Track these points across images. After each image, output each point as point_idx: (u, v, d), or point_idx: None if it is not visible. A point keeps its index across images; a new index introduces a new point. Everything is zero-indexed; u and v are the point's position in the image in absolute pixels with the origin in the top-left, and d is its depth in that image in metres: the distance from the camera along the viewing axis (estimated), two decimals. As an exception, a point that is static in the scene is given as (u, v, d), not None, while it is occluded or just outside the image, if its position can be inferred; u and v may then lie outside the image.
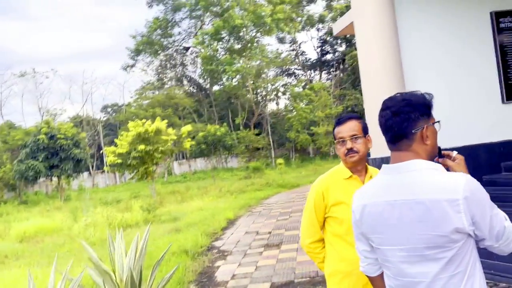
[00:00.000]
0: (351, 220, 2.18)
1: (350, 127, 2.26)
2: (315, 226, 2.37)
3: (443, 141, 6.05)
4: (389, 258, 1.53)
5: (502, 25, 6.38)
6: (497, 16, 6.37)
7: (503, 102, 6.39)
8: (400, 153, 1.54)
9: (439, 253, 1.43)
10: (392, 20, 5.91)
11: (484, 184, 4.66)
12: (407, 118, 1.52)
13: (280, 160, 22.00)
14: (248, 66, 35.25)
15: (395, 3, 6.02)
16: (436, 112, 5.50)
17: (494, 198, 4.22)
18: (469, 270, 1.43)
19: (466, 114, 6.25)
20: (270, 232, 9.39)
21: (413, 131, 1.52)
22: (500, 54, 6.36)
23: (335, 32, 7.45)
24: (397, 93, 1.61)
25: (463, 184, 1.45)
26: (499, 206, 2.82)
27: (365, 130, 2.32)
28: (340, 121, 2.32)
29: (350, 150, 2.23)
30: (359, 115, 2.42)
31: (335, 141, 2.35)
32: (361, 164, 2.31)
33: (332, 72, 45.12)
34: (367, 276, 1.73)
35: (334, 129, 2.36)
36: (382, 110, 1.59)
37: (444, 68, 6.26)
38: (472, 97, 6.33)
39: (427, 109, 1.58)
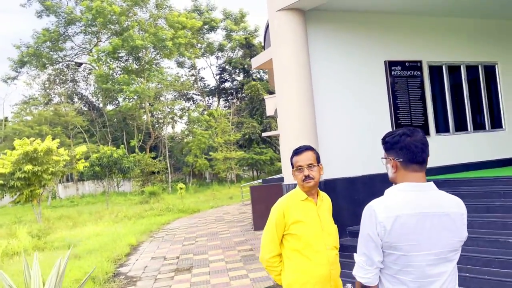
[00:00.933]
0: (308, 236, 2.52)
1: (307, 157, 2.62)
2: (275, 242, 2.65)
3: (347, 171, 6.85)
4: (415, 263, 1.82)
5: (393, 72, 7.50)
6: (390, 65, 7.49)
7: (393, 138, 7.43)
8: (423, 174, 1.94)
9: (455, 255, 1.89)
10: (306, 63, 6.61)
11: None
12: (428, 148, 1.96)
13: (181, 185, 21.75)
14: (147, 87, 34.59)
15: (309, 50, 6.75)
16: (339, 145, 6.25)
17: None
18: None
19: (365, 147, 7.14)
20: (178, 257, 9.34)
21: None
22: (391, 96, 7.44)
23: (254, 66, 7.98)
24: (408, 128, 1.98)
25: (462, 202, 1.96)
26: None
27: (318, 159, 2.70)
28: (298, 151, 2.67)
29: (307, 177, 2.59)
30: (311, 146, 2.79)
31: (293, 169, 2.68)
32: (314, 188, 2.67)
33: (229, 100, 46.38)
34: (368, 286, 1.91)
35: (292, 158, 2.70)
36: (415, 140, 1.94)
37: (348, 106, 7.12)
38: (369, 132, 7.26)
39: None
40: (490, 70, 8.53)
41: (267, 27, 11.01)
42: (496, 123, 8.48)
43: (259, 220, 11.79)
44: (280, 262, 2.68)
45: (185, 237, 12.10)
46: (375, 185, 7.20)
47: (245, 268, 7.77)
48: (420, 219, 1.84)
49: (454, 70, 8.17)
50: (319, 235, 2.59)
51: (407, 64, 7.64)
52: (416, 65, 7.71)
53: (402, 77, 7.57)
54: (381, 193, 6.34)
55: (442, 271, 1.85)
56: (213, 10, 45.47)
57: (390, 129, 7.40)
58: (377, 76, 7.43)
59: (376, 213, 1.84)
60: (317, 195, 2.71)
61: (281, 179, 17.70)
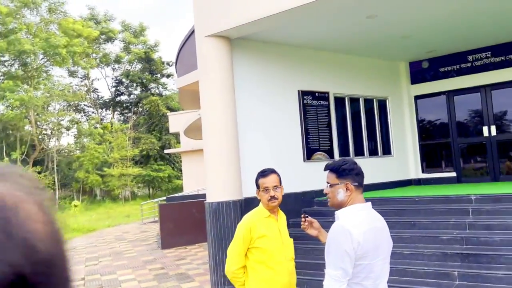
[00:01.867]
0: (271, 249, 2.86)
1: (273, 179, 2.99)
2: (241, 255, 2.95)
3: None
4: (375, 269, 2.21)
5: (305, 101, 8.29)
6: (302, 94, 8.26)
7: (304, 161, 8.17)
8: (363, 195, 2.40)
9: (389, 256, 2.38)
10: (231, 87, 7.03)
11: (290, 225, 6.01)
12: None
13: (76, 202, 20.37)
14: (35, 95, 31.85)
15: (234, 75, 7.19)
16: (259, 165, 6.68)
17: (298, 237, 5.60)
18: None
19: (283, 169, 7.71)
20: (83, 278, 8.90)
21: None
22: (303, 123, 8.20)
23: (178, 85, 8.15)
24: (349, 158, 2.45)
25: None
26: (303, 243, 4.14)
27: (280, 181, 3.08)
28: (264, 174, 3.02)
29: (273, 197, 2.95)
30: (275, 169, 3.16)
31: (258, 189, 3.02)
32: (277, 207, 3.04)
33: (125, 114, 44.76)
34: None
35: (258, 179, 3.04)
36: (355, 164, 2.42)
37: (267, 130, 7.68)
38: (284, 154, 7.88)
39: None
40: (382, 104, 9.86)
41: (182, 46, 11.26)
42: (386, 150, 9.80)
43: (168, 239, 11.72)
44: (244, 273, 2.98)
45: (86, 257, 11.48)
46: (287, 204, 7.81)
47: (160, 286, 7.75)
48: (375, 232, 2.29)
49: (354, 101, 9.29)
50: (280, 247, 2.95)
51: (316, 94, 8.50)
52: (324, 96, 8.62)
53: (312, 106, 8.40)
54: (295, 211, 6.85)
55: (387, 270, 2.37)
56: (111, 21, 43.94)
57: (301, 152, 8.14)
58: (292, 104, 8.14)
59: (350, 232, 2.17)
60: (278, 212, 3.09)
61: (185, 197, 17.72)
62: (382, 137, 9.76)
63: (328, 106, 8.68)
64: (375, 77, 9.76)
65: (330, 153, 8.53)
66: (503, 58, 9.21)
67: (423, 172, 10.23)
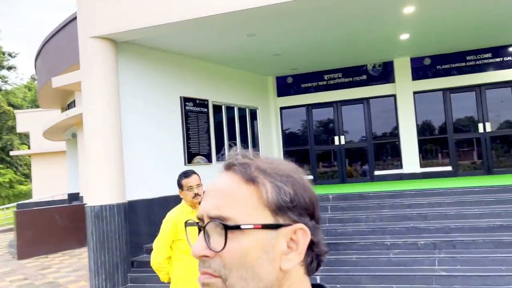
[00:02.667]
0: (195, 240, 3.24)
1: (195, 179, 3.36)
2: (167, 248, 3.24)
3: (147, 193, 7.66)
4: None
5: (187, 108, 8.67)
6: (184, 100, 8.64)
7: (185, 164, 8.54)
8: None
9: None
10: (116, 90, 7.05)
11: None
12: None
13: None
14: None
15: (119, 78, 7.22)
16: (142, 169, 7.17)
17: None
18: None
19: (165, 172, 7.98)
20: None
21: None
22: (185, 128, 8.57)
23: (55, 85, 7.71)
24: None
25: None
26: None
27: (200, 180, 3.46)
28: (187, 175, 3.36)
29: (197, 194, 3.33)
30: (194, 170, 3.51)
31: (182, 189, 3.35)
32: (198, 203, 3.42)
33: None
34: None
35: (181, 180, 3.36)
36: None
37: (151, 134, 7.85)
38: (169, 159, 8.14)
39: None
40: (253, 113, 10.80)
41: (46, 41, 10.58)
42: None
43: (26, 248, 10.77)
44: (168, 263, 3.28)
45: None
46: (169, 206, 8.08)
47: (29, 298, 7.26)
48: None
49: (230, 109, 10.01)
50: None
51: (197, 101, 8.95)
52: (204, 103, 9.12)
53: (193, 112, 8.82)
54: None
55: None
56: None
57: (183, 156, 8.49)
58: (174, 110, 8.44)
59: None
60: (198, 208, 3.47)
61: (40, 203, 16.27)
62: (253, 143, 10.68)
63: (207, 113, 9.20)
64: (248, 88, 10.66)
65: (208, 158, 9.06)
66: (351, 79, 10.99)
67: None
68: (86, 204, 6.96)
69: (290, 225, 0.68)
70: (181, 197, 3.40)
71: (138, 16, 6.67)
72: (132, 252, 7.21)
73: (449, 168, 10.36)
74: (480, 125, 10.26)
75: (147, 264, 7.26)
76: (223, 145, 9.71)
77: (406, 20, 7.67)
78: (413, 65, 10.53)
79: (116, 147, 6.99)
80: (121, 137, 7.11)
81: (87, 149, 6.96)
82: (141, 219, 7.57)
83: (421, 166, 10.48)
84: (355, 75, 10.97)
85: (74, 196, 15.48)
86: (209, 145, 9.15)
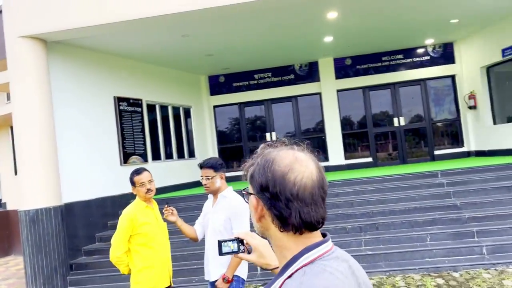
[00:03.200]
0: (152, 233, 3.44)
1: (147, 175, 3.54)
2: (125, 242, 3.40)
3: (84, 194, 7.63)
4: None
5: (121, 107, 8.64)
6: (118, 100, 8.60)
7: (121, 164, 8.51)
8: None
9: None
10: (48, 90, 6.90)
11: (110, 227, 6.60)
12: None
13: None
14: None
15: (51, 78, 7.06)
16: (78, 170, 7.21)
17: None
18: None
19: (102, 172, 7.92)
20: None
21: None
22: (120, 128, 8.54)
23: (-21, 86, 7.30)
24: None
25: None
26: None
27: (151, 176, 3.64)
28: (139, 172, 3.54)
29: (149, 190, 3.52)
30: (144, 167, 3.68)
31: (134, 186, 3.52)
32: (152, 198, 3.61)
33: None
34: None
35: (132, 178, 3.53)
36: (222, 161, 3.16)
37: (86, 134, 7.75)
38: (104, 159, 8.08)
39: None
40: (187, 111, 10.96)
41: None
42: (192, 153, 10.93)
43: None
44: (127, 256, 3.44)
45: None
46: (107, 207, 8.06)
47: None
48: None
49: (164, 109, 10.08)
50: (158, 231, 3.53)
51: (131, 101, 8.94)
52: (138, 103, 9.13)
53: (127, 112, 8.80)
54: (113, 214, 7.32)
55: None
56: None
57: (118, 156, 8.46)
58: (109, 109, 8.38)
59: None
60: (152, 202, 3.65)
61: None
62: (188, 142, 10.85)
63: (141, 113, 9.22)
64: (182, 87, 10.80)
65: (144, 157, 9.09)
66: (280, 78, 11.57)
67: (220, 171, 11.80)
68: (18, 209, 6.73)
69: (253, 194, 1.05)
70: (134, 193, 3.57)
71: (69, 16, 6.58)
72: (70, 255, 7.10)
73: (369, 159, 11.35)
74: (395, 120, 11.36)
75: (87, 265, 7.22)
76: (158, 144, 9.77)
77: (330, 24, 8.33)
78: (336, 65, 11.35)
79: (50, 149, 6.84)
80: (55, 139, 6.96)
81: (19, 152, 6.73)
82: (78, 221, 7.46)
83: (345, 158, 11.35)
84: (283, 74, 11.56)
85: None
86: (144, 144, 9.19)
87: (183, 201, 8.34)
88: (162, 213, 3.47)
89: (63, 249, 6.82)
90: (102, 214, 8.01)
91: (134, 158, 8.81)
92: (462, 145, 11.16)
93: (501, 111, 10.24)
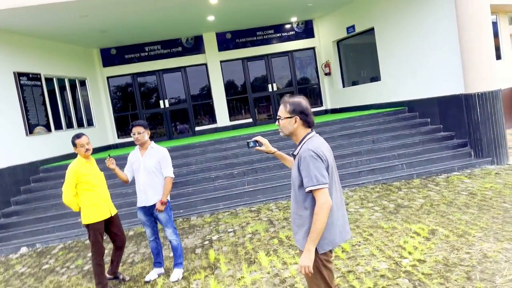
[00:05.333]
0: (92, 179, 4.80)
1: (85, 139, 4.80)
2: (72, 188, 4.65)
3: (1, 162, 8.73)
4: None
5: (22, 82, 9.22)
6: (19, 76, 9.16)
7: (26, 135, 9.20)
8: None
9: None
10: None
11: (23, 192, 7.71)
12: None
13: None
14: None
15: None
16: None
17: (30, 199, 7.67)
18: None
19: (6, 144, 8.59)
20: None
21: None
22: (22, 102, 9.16)
23: None
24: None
25: None
26: (38, 201, 5.88)
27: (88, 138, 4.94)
28: (79, 135, 4.78)
29: (87, 149, 4.81)
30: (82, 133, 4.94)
31: (76, 147, 4.77)
32: (89, 154, 4.92)
33: None
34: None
35: (74, 140, 4.77)
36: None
37: (-8, 109, 8.29)
38: (8, 132, 8.73)
39: None
40: (83, 83, 11.68)
41: None
42: (90, 122, 11.79)
43: None
44: (75, 198, 4.73)
45: None
46: (17, 174, 8.81)
47: None
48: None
49: (62, 82, 10.74)
50: (96, 178, 4.86)
51: (30, 75, 9.52)
52: (37, 77, 9.72)
53: (28, 86, 9.40)
54: (24, 180, 8.27)
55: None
56: None
57: (23, 128, 9.13)
58: (10, 85, 8.93)
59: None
60: (90, 158, 4.96)
61: None
62: (85, 112, 11.66)
63: (41, 86, 9.85)
64: (76, 60, 11.46)
65: (47, 127, 9.82)
66: (169, 50, 12.82)
67: (118, 138, 12.87)
68: None
69: (293, 116, 2.59)
70: (76, 152, 4.84)
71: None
72: (-9, 218, 7.86)
73: (250, 120, 13.42)
74: (269, 86, 13.52)
75: (8, 225, 8.03)
76: (59, 115, 10.50)
77: (211, 6, 9.86)
78: (218, 39, 12.98)
79: None
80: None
81: None
82: (-7, 189, 8.16)
83: (230, 120, 13.26)
84: (172, 47, 12.84)
85: None
86: (47, 116, 9.89)
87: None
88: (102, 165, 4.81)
89: (-15, 213, 7.58)
90: (15, 181, 8.75)
91: (38, 128, 9.52)
92: (321, 105, 13.83)
93: (348, 77, 13.01)
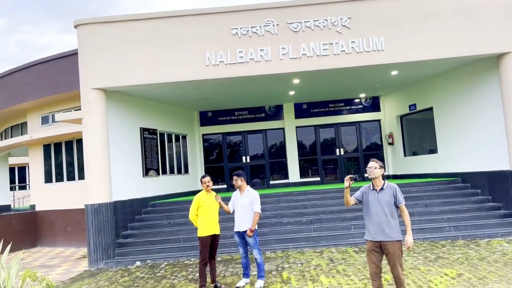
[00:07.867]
0: (208, 207, 6.96)
1: (207, 178, 7.04)
2: (195, 210, 6.85)
3: (124, 195, 11.67)
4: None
5: (144, 135, 12.03)
6: (142, 130, 11.99)
7: (143, 176, 11.84)
8: None
9: None
10: (105, 126, 10.22)
11: (136, 220, 9.78)
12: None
13: None
14: None
15: (108, 117, 10.39)
16: (118, 178, 10.87)
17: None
18: None
19: (129, 181, 11.22)
20: None
21: None
22: (143, 150, 11.90)
23: (58, 119, 10.47)
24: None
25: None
26: (147, 228, 7.99)
27: (211, 179, 7.16)
28: (204, 176, 7.03)
29: (208, 186, 7.01)
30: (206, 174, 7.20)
31: (202, 183, 7.00)
32: (209, 190, 7.10)
33: None
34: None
35: (201, 179, 7.01)
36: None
37: (125, 154, 11.05)
38: (132, 172, 11.39)
39: None
40: (184, 138, 14.45)
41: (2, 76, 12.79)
42: (186, 169, 14.39)
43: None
44: (197, 217, 6.89)
45: None
46: (134, 206, 11.32)
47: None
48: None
49: (170, 136, 13.53)
50: (210, 207, 6.99)
51: (150, 130, 12.35)
52: (154, 131, 12.54)
53: (148, 138, 12.20)
54: (138, 211, 10.65)
55: None
56: None
57: (141, 170, 11.79)
58: (137, 137, 11.75)
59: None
60: (210, 192, 7.12)
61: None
62: (184, 161, 14.32)
63: (156, 139, 12.64)
64: (182, 120, 14.34)
65: (157, 171, 12.46)
66: (254, 115, 15.39)
67: (205, 185, 15.34)
68: (86, 203, 9.92)
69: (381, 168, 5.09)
70: (202, 187, 7.07)
71: (127, 76, 10.00)
72: (117, 235, 10.32)
73: (318, 178, 15.31)
74: (337, 150, 15.45)
75: (126, 244, 10.39)
76: (166, 162, 13.19)
77: (293, 85, 12.25)
78: (295, 108, 15.36)
79: (105, 164, 10.12)
80: (108, 157, 10.25)
81: (87, 165, 9.96)
82: (119, 214, 10.69)
83: (301, 177, 15.24)
84: (257, 113, 15.40)
85: (3, 208, 17.02)
86: (158, 162, 12.58)
87: (178, 204, 11.75)
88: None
89: (114, 231, 10.06)
90: (131, 211, 11.28)
91: (151, 172, 12.16)
92: (385, 170, 15.38)
93: (409, 147, 14.59)
